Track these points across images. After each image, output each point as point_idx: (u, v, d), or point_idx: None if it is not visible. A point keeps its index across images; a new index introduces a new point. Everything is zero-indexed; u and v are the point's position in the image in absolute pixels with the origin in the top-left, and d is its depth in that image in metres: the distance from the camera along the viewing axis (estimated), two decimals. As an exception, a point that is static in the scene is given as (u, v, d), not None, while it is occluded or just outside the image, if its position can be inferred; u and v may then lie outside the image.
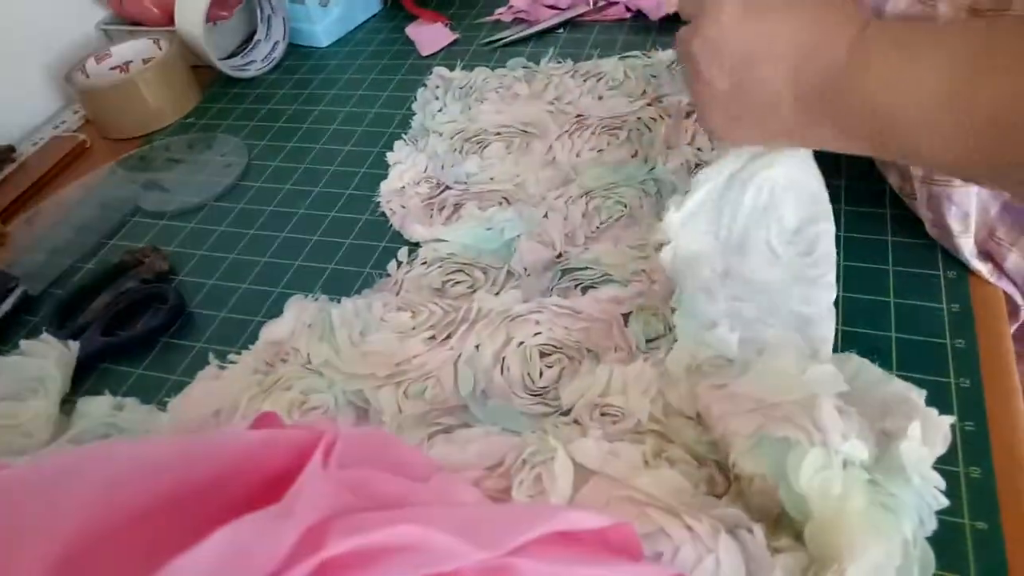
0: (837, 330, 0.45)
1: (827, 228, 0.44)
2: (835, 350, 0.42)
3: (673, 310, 0.42)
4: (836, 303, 0.46)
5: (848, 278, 0.48)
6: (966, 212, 0.45)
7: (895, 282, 0.47)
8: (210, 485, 0.25)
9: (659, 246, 0.43)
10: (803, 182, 0.44)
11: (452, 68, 0.75)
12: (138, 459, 0.23)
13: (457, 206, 0.58)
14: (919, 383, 0.37)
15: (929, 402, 0.36)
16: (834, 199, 0.46)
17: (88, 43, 0.86)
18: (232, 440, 0.27)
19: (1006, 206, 0.46)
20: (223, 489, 0.25)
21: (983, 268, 0.47)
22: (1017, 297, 0.48)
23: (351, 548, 0.19)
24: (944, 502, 0.32)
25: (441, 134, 0.66)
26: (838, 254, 0.46)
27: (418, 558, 0.19)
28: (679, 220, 0.43)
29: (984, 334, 0.44)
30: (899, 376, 0.38)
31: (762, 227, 0.43)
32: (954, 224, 0.46)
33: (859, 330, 0.45)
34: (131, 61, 0.80)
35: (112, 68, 0.80)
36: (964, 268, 0.47)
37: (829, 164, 0.45)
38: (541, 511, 0.22)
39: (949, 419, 0.34)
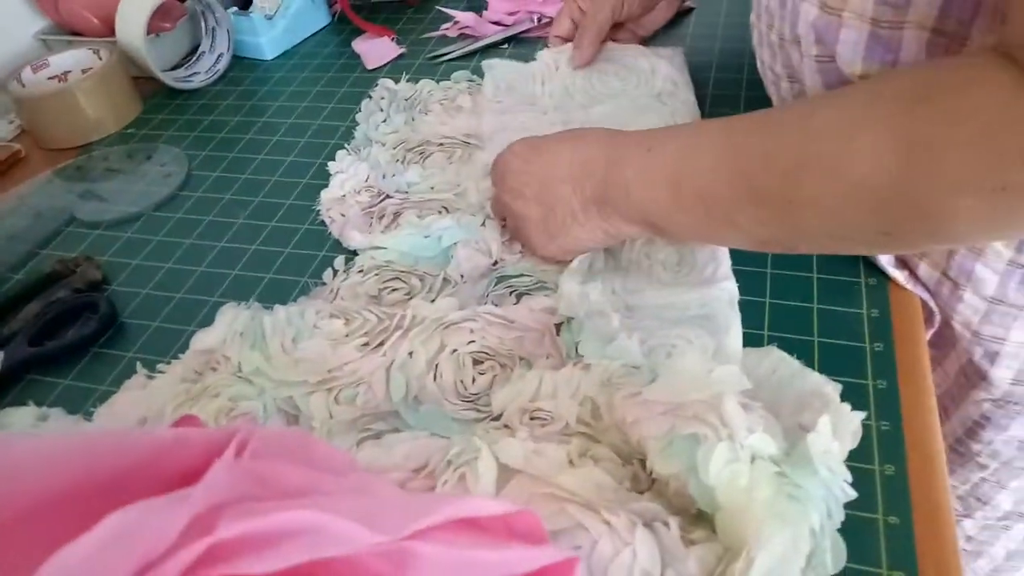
0: (763, 334, 0.46)
1: None
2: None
3: (576, 343, 0.43)
4: (763, 309, 0.48)
5: (774, 285, 0.49)
6: None
7: (818, 288, 0.49)
8: (114, 480, 0.24)
9: (567, 319, 0.45)
10: None
11: (397, 81, 0.76)
12: (36, 452, 0.23)
13: (396, 214, 0.58)
14: (839, 383, 0.39)
15: (847, 402, 0.37)
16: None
17: (26, 53, 0.84)
18: (141, 437, 0.27)
19: None
20: (128, 484, 0.25)
21: (899, 275, 0.49)
22: (931, 303, 0.50)
23: (242, 532, 0.19)
24: (852, 494, 0.33)
25: (384, 144, 0.67)
26: (765, 266, 0.49)
27: (312, 542, 0.19)
28: (577, 291, 0.46)
29: (901, 338, 0.45)
30: (820, 376, 0.39)
31: (646, 272, 0.48)
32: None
33: (783, 334, 0.46)
34: (70, 71, 0.79)
35: (50, 78, 0.78)
36: (884, 275, 0.49)
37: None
38: (443, 498, 0.22)
39: (860, 415, 0.35)
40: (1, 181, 0.73)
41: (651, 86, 0.65)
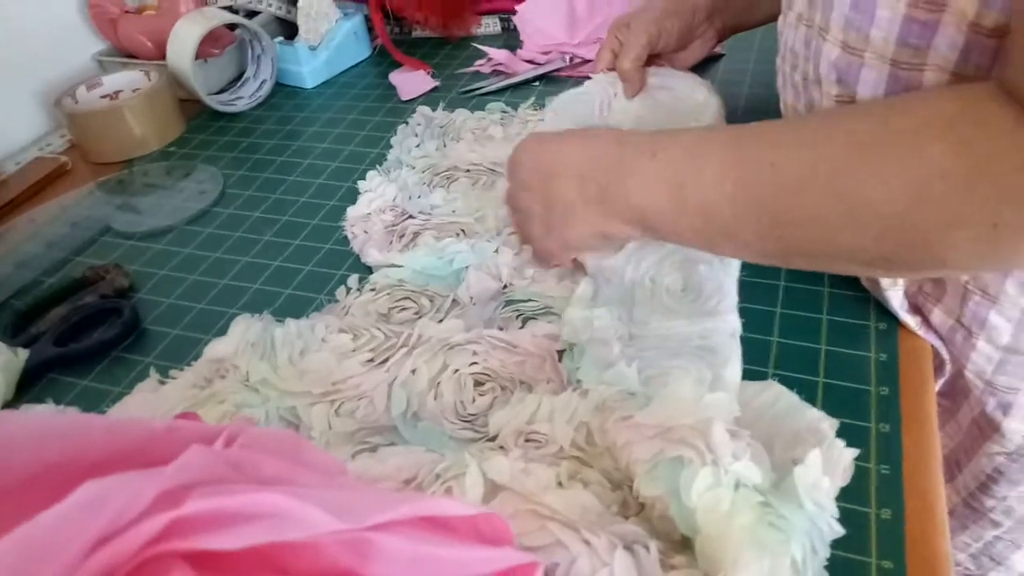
0: (768, 371, 0.46)
1: (709, 264, 0.49)
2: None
3: (576, 369, 0.44)
4: (770, 347, 0.48)
5: (783, 324, 0.49)
6: None
7: (827, 330, 0.49)
8: (104, 460, 0.25)
9: (570, 345, 0.46)
10: (666, 246, 0.50)
11: (434, 109, 0.78)
12: (29, 428, 0.24)
13: (416, 235, 0.60)
14: (841, 425, 0.38)
15: (850, 444, 0.37)
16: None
17: (84, 72, 0.89)
18: (135, 424, 0.28)
19: None
20: (117, 465, 0.26)
21: (911, 321, 0.48)
22: (942, 351, 0.50)
23: (208, 508, 0.19)
24: (839, 530, 0.33)
25: (413, 167, 0.69)
26: (775, 305, 0.49)
27: (275, 524, 0.20)
28: (581, 318, 0.46)
29: (907, 384, 0.45)
30: (823, 417, 0.39)
31: (649, 296, 0.48)
32: (883, 279, 0.48)
33: (789, 373, 0.46)
34: (121, 91, 0.83)
35: (103, 96, 0.82)
36: (894, 320, 0.49)
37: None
38: (412, 496, 0.22)
39: (853, 451, 0.35)
40: (47, 192, 0.76)
41: (699, 118, 0.65)
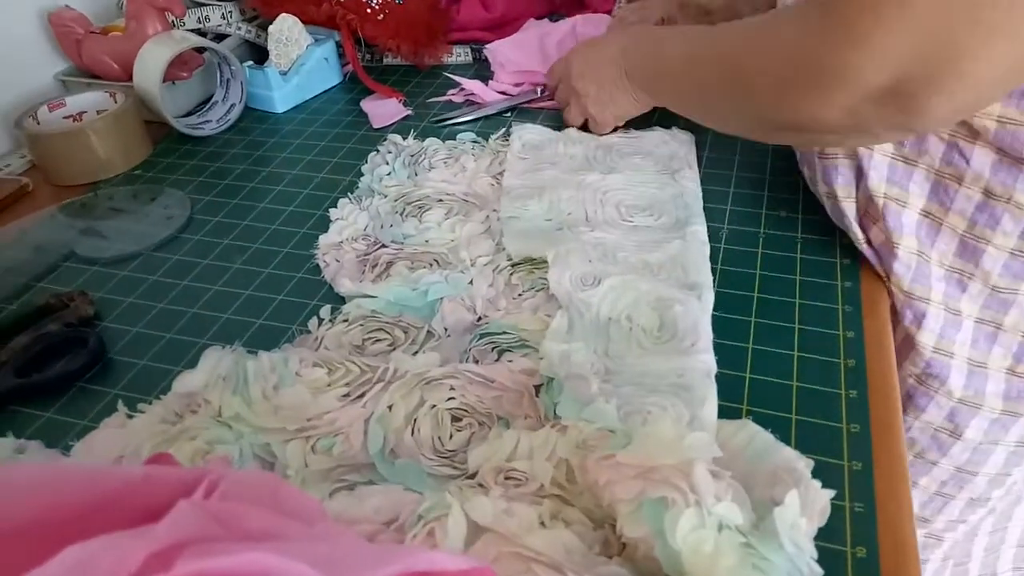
0: (742, 408, 0.47)
1: (683, 304, 0.50)
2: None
3: (555, 404, 0.44)
4: (743, 383, 0.48)
5: (755, 360, 0.50)
6: (849, 179, 0.56)
7: (799, 366, 0.50)
8: (80, 514, 0.25)
9: (547, 379, 0.47)
10: (642, 286, 0.53)
11: (405, 138, 0.78)
12: (1, 481, 0.23)
13: (389, 264, 0.59)
14: (816, 463, 0.39)
15: (824, 484, 0.38)
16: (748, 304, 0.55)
17: (45, 92, 0.87)
18: (111, 472, 0.27)
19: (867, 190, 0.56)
20: (95, 519, 0.25)
21: (860, 234, 0.56)
22: (878, 267, 0.57)
23: (197, 571, 0.19)
24: (819, 571, 0.33)
25: (386, 196, 0.68)
26: (747, 341, 0.51)
27: (265, 584, 0.19)
28: (559, 352, 0.47)
29: (877, 422, 0.46)
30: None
31: (626, 335, 0.50)
32: (840, 190, 0.57)
33: (762, 410, 0.46)
34: (85, 112, 0.81)
35: (65, 117, 0.81)
36: (863, 357, 0.50)
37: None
38: (402, 550, 0.22)
39: (829, 492, 0.35)
40: (5, 214, 0.74)
41: (666, 167, 0.67)
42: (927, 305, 0.55)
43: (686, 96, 0.62)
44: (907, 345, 0.57)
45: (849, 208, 0.57)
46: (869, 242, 0.57)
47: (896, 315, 0.57)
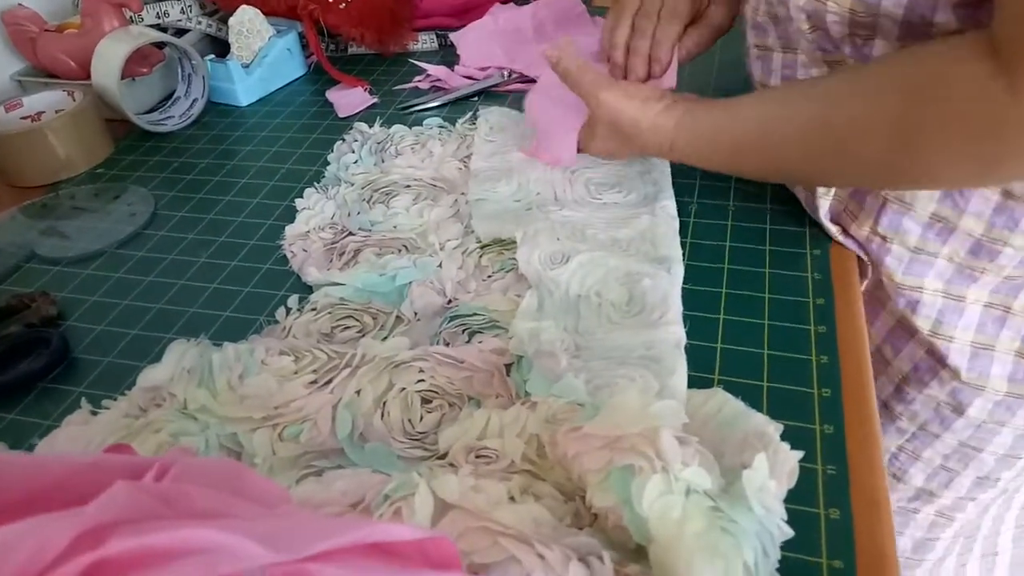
0: (714, 378, 0.46)
1: (652, 278, 0.50)
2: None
3: (525, 382, 0.43)
4: (714, 354, 0.48)
5: (726, 330, 0.50)
6: None
7: (769, 335, 0.49)
8: (23, 502, 0.24)
9: (517, 358, 0.46)
10: (610, 262, 0.53)
11: (371, 126, 0.77)
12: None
13: (357, 252, 0.58)
14: (788, 428, 0.39)
15: (795, 447, 0.37)
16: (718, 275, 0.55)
17: (2, 93, 0.85)
18: (58, 460, 0.26)
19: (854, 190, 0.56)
20: (37, 506, 0.24)
21: (832, 227, 0.56)
22: (861, 254, 0.57)
23: (132, 548, 0.18)
24: (788, 532, 0.33)
25: (352, 184, 0.67)
26: (718, 312, 0.50)
27: (206, 560, 0.19)
28: (528, 330, 0.46)
29: (848, 384, 0.46)
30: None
31: (595, 310, 0.49)
32: (819, 188, 0.56)
33: (734, 379, 0.46)
34: (44, 112, 0.80)
35: (23, 117, 0.79)
36: (833, 324, 0.50)
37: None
38: (354, 522, 0.21)
39: (798, 454, 0.35)
40: (-35, 218, 0.72)
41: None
42: (921, 293, 0.55)
43: (770, 164, 0.52)
44: (903, 326, 0.57)
45: (824, 204, 0.56)
46: (846, 233, 0.57)
47: (881, 289, 0.57)
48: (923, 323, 0.55)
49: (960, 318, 0.54)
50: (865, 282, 0.58)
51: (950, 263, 0.53)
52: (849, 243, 0.56)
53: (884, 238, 0.54)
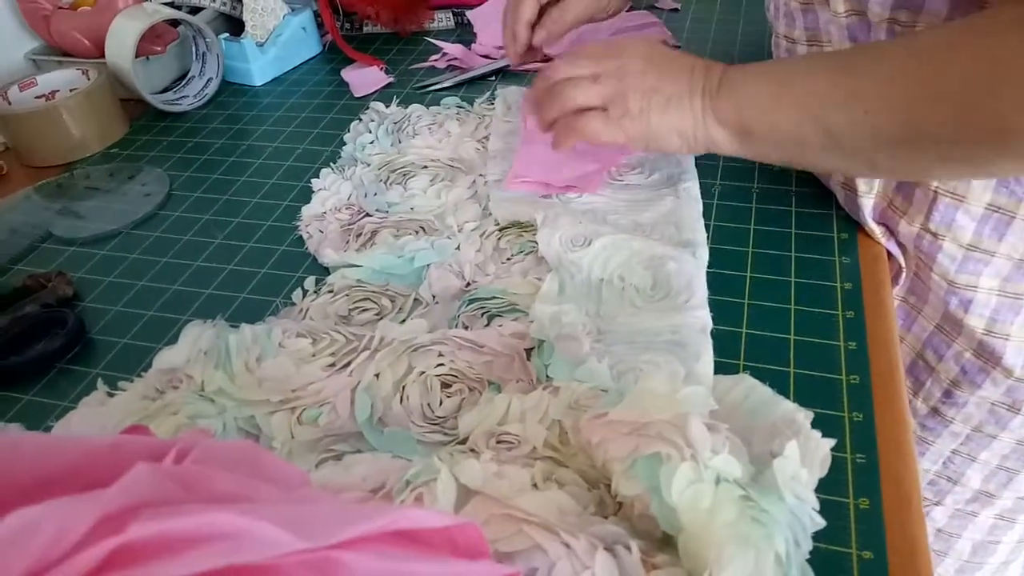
0: (739, 364, 0.45)
1: (677, 262, 0.49)
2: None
3: (546, 366, 0.43)
4: (739, 339, 0.47)
5: (751, 315, 0.49)
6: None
7: (796, 320, 0.48)
8: (39, 484, 0.23)
9: (538, 342, 0.45)
10: (634, 245, 0.51)
11: (387, 106, 0.76)
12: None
13: (374, 233, 0.58)
14: (816, 415, 0.38)
15: (825, 436, 0.36)
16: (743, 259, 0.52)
17: (15, 72, 0.84)
18: (77, 442, 0.26)
19: (899, 184, 0.53)
20: (54, 488, 0.23)
21: (877, 229, 0.54)
22: (900, 258, 0.55)
23: (155, 533, 0.18)
24: (820, 522, 0.32)
25: (369, 164, 0.67)
26: (743, 297, 0.49)
27: (230, 546, 0.18)
28: (550, 314, 0.45)
29: (877, 371, 0.45)
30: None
31: (619, 294, 0.48)
32: (861, 185, 0.53)
33: (759, 364, 0.45)
34: (58, 90, 0.79)
35: (37, 97, 0.78)
36: (861, 308, 0.49)
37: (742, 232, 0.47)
38: (381, 508, 0.21)
39: (830, 442, 0.34)
40: (-20, 197, 0.72)
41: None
42: (975, 292, 0.53)
43: (836, 123, 0.44)
44: (952, 324, 0.55)
45: (867, 204, 0.54)
46: (891, 234, 0.55)
47: (919, 291, 0.56)
48: (976, 322, 0.53)
49: (1017, 315, 0.52)
50: (896, 286, 0.56)
51: (1008, 260, 0.51)
52: (892, 247, 0.54)
53: (936, 235, 0.52)
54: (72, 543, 0.17)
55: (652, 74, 0.49)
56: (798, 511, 0.31)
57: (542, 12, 0.64)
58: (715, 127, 0.47)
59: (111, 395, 0.47)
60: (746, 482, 0.31)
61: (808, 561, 0.33)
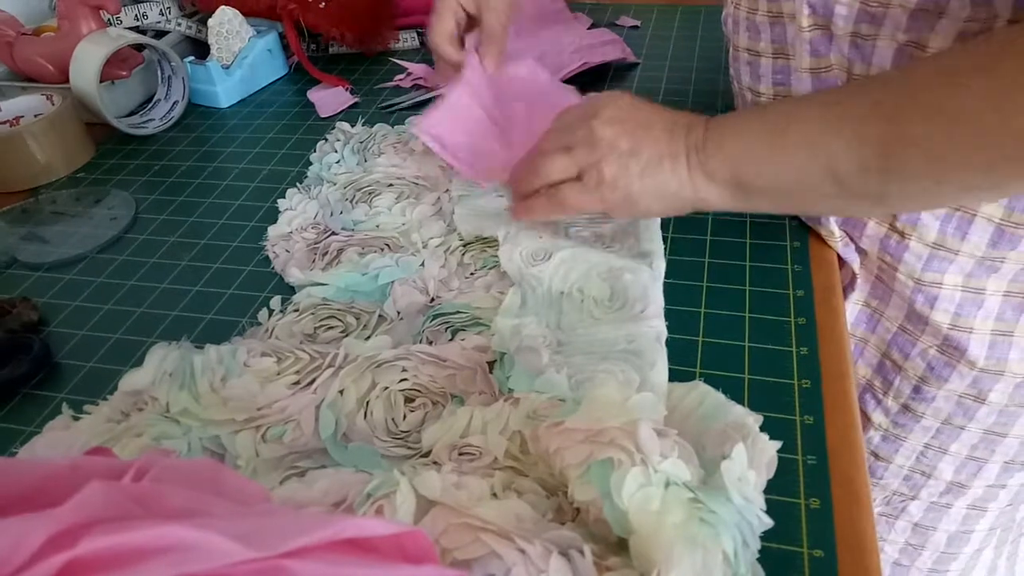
0: (695, 371, 0.47)
1: (634, 273, 0.50)
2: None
3: (507, 378, 0.44)
4: (695, 347, 0.48)
5: (707, 324, 0.50)
6: None
7: (750, 328, 0.50)
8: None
9: (500, 355, 0.46)
10: (592, 258, 0.52)
11: (353, 125, 0.77)
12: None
13: (339, 251, 0.59)
14: (769, 419, 0.39)
15: (776, 437, 0.38)
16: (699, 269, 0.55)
17: (-20, 99, 0.84)
18: (37, 464, 0.26)
19: None
20: (12, 510, 0.24)
21: (836, 232, 0.55)
22: (854, 266, 0.57)
23: (105, 547, 0.18)
24: (768, 522, 0.33)
25: (335, 184, 0.67)
26: (699, 306, 0.50)
27: (179, 558, 0.19)
28: (511, 327, 0.47)
29: (828, 375, 0.46)
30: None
31: (578, 306, 0.49)
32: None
33: (715, 372, 0.47)
34: (22, 116, 0.79)
35: (2, 122, 0.78)
36: (812, 316, 0.50)
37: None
38: (330, 518, 0.21)
39: (776, 444, 0.35)
40: (-56, 224, 0.72)
41: None
42: (940, 289, 0.54)
43: (845, 166, 0.42)
44: (917, 321, 0.57)
45: None
46: (853, 240, 0.56)
47: (883, 288, 0.57)
48: (942, 317, 0.55)
49: (979, 309, 0.54)
50: (852, 292, 0.58)
51: (971, 257, 0.52)
52: (848, 253, 0.56)
53: (903, 233, 0.53)
54: (24, 559, 0.18)
55: (625, 139, 0.48)
56: (746, 511, 0.32)
57: (471, 25, 0.66)
58: (705, 185, 0.47)
59: (76, 419, 0.47)
60: (695, 485, 0.32)
61: (759, 560, 0.34)
